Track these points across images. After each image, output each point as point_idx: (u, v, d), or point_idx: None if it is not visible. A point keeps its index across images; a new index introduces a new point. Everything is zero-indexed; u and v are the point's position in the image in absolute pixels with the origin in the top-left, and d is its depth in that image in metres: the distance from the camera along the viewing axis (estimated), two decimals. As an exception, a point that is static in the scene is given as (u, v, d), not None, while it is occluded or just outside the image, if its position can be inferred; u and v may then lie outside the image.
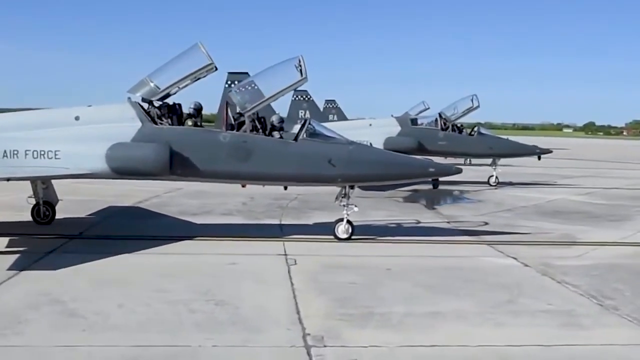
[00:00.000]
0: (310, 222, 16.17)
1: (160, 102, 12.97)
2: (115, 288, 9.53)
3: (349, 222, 13.48)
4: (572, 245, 13.97)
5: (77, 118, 12.66)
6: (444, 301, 9.35)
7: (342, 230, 13.47)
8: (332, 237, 13.64)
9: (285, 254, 12.08)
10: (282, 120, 13.64)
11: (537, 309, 9.06)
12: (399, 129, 25.19)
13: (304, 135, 12.86)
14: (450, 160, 23.76)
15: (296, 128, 13.67)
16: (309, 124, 13.17)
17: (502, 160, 27.09)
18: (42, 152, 12.28)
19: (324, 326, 8.04)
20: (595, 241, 14.46)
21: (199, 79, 13.01)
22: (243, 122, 12.89)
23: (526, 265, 11.85)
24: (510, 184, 27.10)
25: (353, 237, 13.45)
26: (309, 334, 7.72)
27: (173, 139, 12.33)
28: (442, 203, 21.34)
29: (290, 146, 12.78)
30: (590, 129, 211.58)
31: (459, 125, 26.20)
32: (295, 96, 37.43)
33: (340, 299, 9.26)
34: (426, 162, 14.37)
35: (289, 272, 10.81)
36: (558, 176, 31.91)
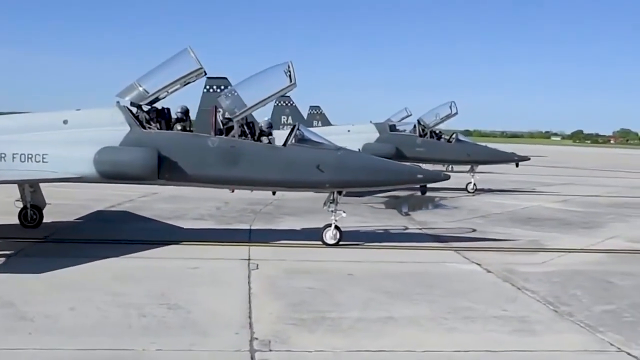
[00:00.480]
0: (280, 228, 16.13)
1: (149, 107, 12.95)
2: (69, 291, 9.46)
3: (337, 227, 13.48)
4: (538, 252, 14.00)
5: (65, 122, 12.64)
6: (399, 307, 9.35)
7: (330, 236, 13.48)
8: (298, 242, 13.69)
9: (249, 259, 12.04)
10: (270, 125, 13.63)
11: (491, 315, 9.07)
12: (377, 135, 25.25)
13: (293, 141, 12.87)
14: (429, 167, 23.80)
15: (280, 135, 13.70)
16: (298, 129, 13.17)
17: (484, 167, 27.21)
18: (30, 156, 12.21)
19: (274, 330, 8.02)
20: (562, 248, 14.50)
21: (188, 83, 13.03)
22: (232, 127, 12.87)
23: (489, 272, 11.87)
24: (489, 190, 27.16)
25: (341, 242, 13.47)
26: (256, 339, 7.70)
27: (161, 143, 12.33)
28: (417, 209, 21.36)
29: (279, 151, 12.80)
30: (578, 137, 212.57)
31: (437, 131, 26.27)
32: (277, 102, 37.34)
33: (295, 304, 9.24)
34: (414, 169, 14.39)
35: (249, 276, 10.78)
36: (538, 184, 32.01)
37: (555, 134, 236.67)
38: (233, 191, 14.33)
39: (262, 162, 12.65)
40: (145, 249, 12.55)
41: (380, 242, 14.49)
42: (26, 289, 9.54)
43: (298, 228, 16.10)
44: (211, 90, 29.44)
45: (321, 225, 14.26)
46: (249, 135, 12.89)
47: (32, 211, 14.59)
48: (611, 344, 8.07)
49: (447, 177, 14.17)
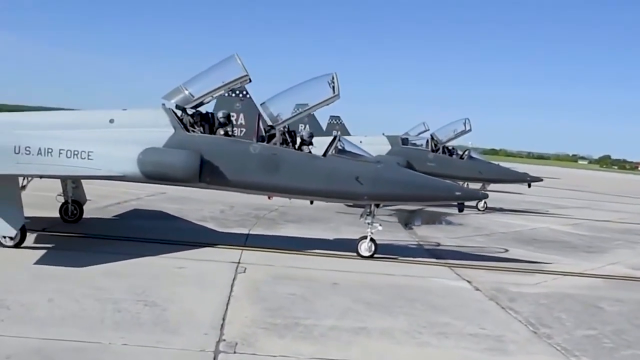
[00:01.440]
0: (279, 234, 16.17)
1: (193, 110, 13.15)
2: (53, 283, 9.60)
3: (372, 240, 13.59)
4: (533, 273, 13.85)
5: (111, 121, 12.84)
6: (376, 318, 9.33)
7: (365, 248, 13.61)
8: (293, 249, 13.71)
9: (239, 262, 12.11)
10: (311, 135, 13.67)
11: (468, 332, 9.02)
12: (389, 147, 25.29)
13: (333, 152, 12.96)
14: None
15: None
16: (339, 140, 13.27)
17: (500, 187, 26.97)
18: (76, 152, 12.40)
19: (244, 333, 8.06)
20: (559, 270, 14.35)
21: (232, 89, 13.07)
22: (273, 135, 13.01)
23: (477, 289, 11.80)
24: (500, 210, 26.95)
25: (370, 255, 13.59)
26: (224, 340, 7.75)
27: (204, 147, 12.48)
28: (421, 224, 21.28)
29: (319, 161, 12.88)
30: (605, 162, 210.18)
31: (450, 147, 26.19)
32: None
33: (273, 309, 9.28)
34: (453, 186, 14.39)
35: (234, 279, 10.83)
36: (552, 206, 31.72)
37: (583, 158, 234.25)
38: (271, 198, 14.39)
39: (302, 170, 12.74)
40: (136, 246, 12.69)
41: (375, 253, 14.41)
42: (11, 278, 9.73)
43: (297, 235, 16.14)
44: (225, 94, 29.47)
45: (322, 233, 14.24)
46: (290, 144, 13.03)
47: (73, 206, 15.04)
48: (583, 369, 7.98)
49: (486, 196, 14.35)
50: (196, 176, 12.32)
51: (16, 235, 11.57)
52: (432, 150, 25.44)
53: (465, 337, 8.82)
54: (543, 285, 12.76)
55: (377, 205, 13.42)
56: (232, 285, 10.40)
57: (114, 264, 11.12)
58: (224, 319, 8.58)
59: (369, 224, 13.46)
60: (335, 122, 44.64)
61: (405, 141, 26.04)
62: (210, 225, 16.69)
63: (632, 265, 16.06)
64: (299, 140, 13.26)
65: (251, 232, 15.96)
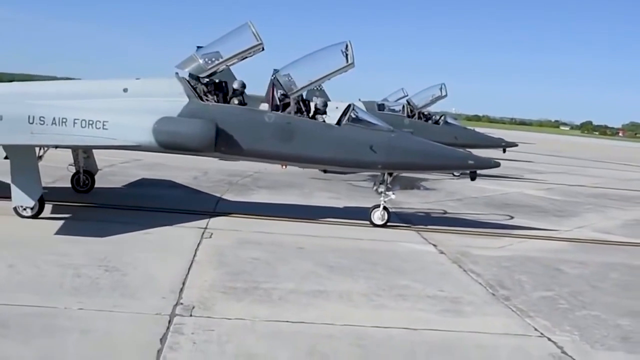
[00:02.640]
0: (250, 200, 16.22)
1: (207, 79, 13.06)
2: (15, 249, 9.61)
3: (385, 208, 13.72)
4: (500, 237, 14.03)
5: (125, 90, 12.75)
6: (336, 281, 9.44)
7: (378, 216, 13.76)
8: (262, 214, 13.76)
9: (205, 228, 12.15)
10: (325, 104, 13.68)
11: (426, 295, 9.15)
12: (365, 113, 25.20)
13: (347, 121, 12.97)
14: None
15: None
16: (353, 109, 13.28)
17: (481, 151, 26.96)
18: (91, 122, 12.33)
19: (202, 297, 8.14)
20: (526, 234, 14.53)
21: (245, 58, 13.04)
22: (288, 104, 13.04)
23: (442, 253, 11.95)
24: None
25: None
26: (181, 304, 7.82)
27: (219, 116, 12.44)
28: (395, 189, 21.29)
29: (333, 130, 12.91)
30: (587, 128, 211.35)
31: (426, 113, 26.24)
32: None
33: (234, 273, 9.35)
34: (466, 155, 14.44)
35: (198, 244, 10.88)
36: (529, 171, 31.96)
37: (565, 124, 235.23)
38: (285, 167, 14.43)
39: (316, 139, 12.75)
40: (103, 212, 12.71)
41: (344, 218, 14.52)
42: (-27, 245, 9.70)
43: (268, 201, 16.19)
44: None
45: (294, 199, 14.20)
46: (305, 113, 13.07)
47: (84, 176, 15.02)
48: (535, 329, 8.13)
49: (498, 165, 14.32)
50: (212, 145, 12.31)
51: (35, 205, 11.61)
52: (408, 116, 25.46)
53: (423, 299, 8.95)
54: (508, 248, 12.94)
55: (390, 174, 13.57)
56: (195, 251, 10.45)
57: (79, 230, 11.09)
58: (183, 284, 8.64)
59: (381, 192, 13.61)
60: (315, 87, 44.19)
61: (381, 107, 26.05)
62: (181, 191, 16.69)
63: (599, 229, 16.31)
64: (312, 109, 13.34)
65: (222, 197, 15.98)
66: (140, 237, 11.10)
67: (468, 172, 14.55)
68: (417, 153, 13.32)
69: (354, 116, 13.12)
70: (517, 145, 29.04)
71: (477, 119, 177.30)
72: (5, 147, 11.74)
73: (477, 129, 31.62)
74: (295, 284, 9.13)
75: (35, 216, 11.67)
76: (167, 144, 12.42)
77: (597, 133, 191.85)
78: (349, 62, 13.01)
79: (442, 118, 26.26)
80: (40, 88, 13.33)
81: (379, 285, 9.40)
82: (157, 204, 14.13)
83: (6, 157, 11.85)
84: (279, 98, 13.29)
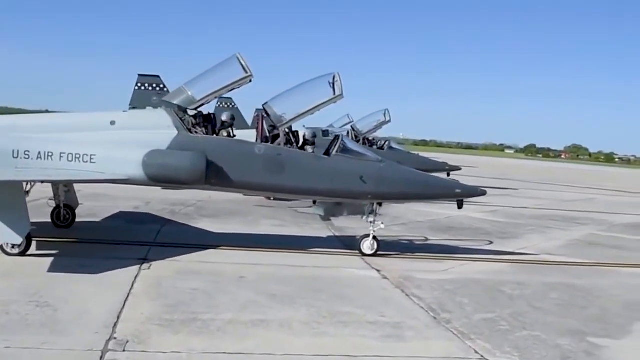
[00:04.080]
0: (192, 229, 15.95)
1: (195, 111, 12.85)
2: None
3: (374, 238, 13.69)
4: (444, 260, 14.10)
5: (112, 123, 12.47)
6: (277, 310, 9.29)
7: (367, 246, 13.73)
8: (203, 243, 13.53)
9: (145, 259, 11.86)
10: (314, 135, 13.67)
11: (367, 320, 9.08)
12: (310, 140, 25.22)
13: (336, 151, 12.89)
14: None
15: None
16: (342, 140, 13.22)
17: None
18: (78, 156, 11.98)
19: (137, 331, 7.89)
20: (469, 257, 14.65)
21: (234, 89, 12.91)
22: (277, 135, 12.94)
23: (385, 278, 11.92)
24: (421, 199, 27.26)
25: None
26: (115, 338, 7.57)
27: (209, 148, 12.22)
28: (340, 215, 21.29)
29: (324, 161, 12.85)
30: (530, 151, 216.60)
31: (370, 138, 26.43)
32: (219, 103, 37.02)
33: (172, 305, 9.12)
34: (453, 184, 14.47)
35: (136, 276, 10.60)
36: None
37: (509, 147, 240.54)
38: (271, 199, 14.19)
39: (307, 171, 12.70)
40: (41, 246, 12.28)
41: (288, 246, 14.38)
42: None
43: (211, 230, 15.96)
44: (142, 88, 29.17)
45: (238, 227, 13.91)
46: (294, 144, 13.03)
47: (65, 211, 14.67)
48: (476, 352, 8.14)
49: (484, 193, 14.42)
50: (203, 178, 12.10)
51: (22, 243, 11.23)
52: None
53: (364, 325, 8.88)
54: (452, 271, 13.00)
55: (380, 204, 13.57)
56: (133, 283, 10.17)
57: (14, 264, 10.77)
58: (118, 317, 8.38)
59: (371, 222, 13.56)
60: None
61: (326, 133, 26.04)
62: (121, 222, 16.34)
63: (540, 250, 16.55)
64: (301, 140, 13.36)
65: (163, 229, 15.69)
66: (75, 270, 10.73)
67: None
68: (406, 183, 13.39)
69: (343, 147, 13.12)
70: (460, 169, 29.51)
71: (424, 143, 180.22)
72: None
73: (423, 154, 32.07)
74: (235, 314, 8.95)
75: (23, 253, 11.29)
76: (157, 178, 12.18)
77: (540, 156, 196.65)
78: (336, 94, 13.11)
79: (387, 143, 26.50)
80: (23, 121, 13.03)
81: (320, 313, 9.29)
82: (96, 236, 13.82)
83: None
84: (267, 130, 13.25)
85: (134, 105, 27.60)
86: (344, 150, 13.11)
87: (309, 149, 13.29)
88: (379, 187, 13.04)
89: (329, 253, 13.98)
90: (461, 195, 14.03)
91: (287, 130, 13.16)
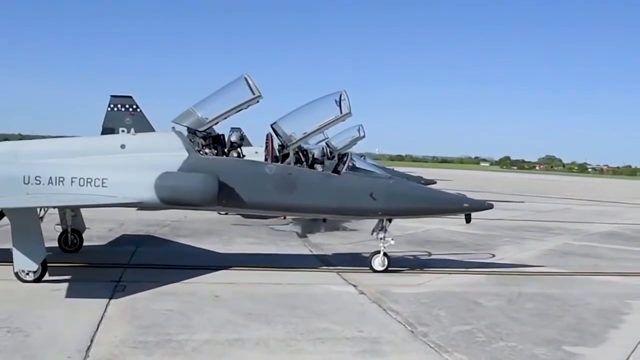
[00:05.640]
0: (167, 250, 15.82)
1: (204, 133, 12.80)
2: None
3: (385, 254, 13.73)
4: (420, 274, 14.11)
5: (122, 146, 12.47)
6: (253, 328, 9.21)
7: (378, 262, 13.76)
8: (179, 263, 13.42)
9: (119, 281, 11.73)
10: (323, 153, 13.69)
11: (345, 336, 9.04)
12: (284, 157, 25.21)
13: (346, 169, 12.90)
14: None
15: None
16: (351, 158, 13.27)
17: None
18: (89, 180, 11.94)
19: (110, 354, 7.78)
20: (445, 270, 14.67)
21: (242, 110, 12.85)
22: (286, 154, 12.94)
23: (362, 293, 11.89)
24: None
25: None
26: (87, 362, 7.44)
27: (220, 169, 12.24)
28: (316, 232, 21.31)
29: (334, 179, 12.87)
30: (505, 163, 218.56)
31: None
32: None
33: (146, 326, 9.00)
34: (461, 198, 14.39)
35: (110, 298, 10.46)
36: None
37: (484, 160, 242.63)
38: (285, 217, 14.05)
39: (318, 189, 12.74)
40: (11, 270, 12.06)
41: (264, 264, 14.31)
42: None
43: (186, 250, 15.85)
44: (115, 108, 28.99)
45: (213, 246, 13.79)
46: (304, 163, 13.06)
47: (72, 235, 14.64)
48: (452, 364, 8.13)
49: (491, 206, 14.46)
50: (215, 200, 12.04)
51: (38, 269, 11.11)
52: (328, 158, 25.52)
53: (342, 341, 8.83)
54: (428, 284, 13.00)
55: (390, 220, 13.61)
56: (107, 305, 10.04)
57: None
58: (92, 341, 8.25)
59: (381, 239, 13.60)
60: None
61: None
62: (96, 243, 16.15)
63: (516, 260, 16.65)
64: (311, 158, 13.42)
65: (139, 249, 15.54)
66: (47, 294, 10.61)
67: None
68: (415, 198, 13.43)
69: (351, 164, 13.17)
70: (435, 183, 29.61)
71: (400, 158, 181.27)
72: (5, 210, 11.24)
73: (398, 169, 32.16)
74: (210, 333, 8.86)
75: (38, 280, 11.17)
76: (169, 200, 12.11)
77: (515, 167, 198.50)
78: (343, 112, 13.18)
79: (362, 159, 26.45)
80: (33, 147, 12.92)
81: (297, 330, 9.23)
82: (68, 259, 13.61)
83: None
84: (277, 149, 13.26)
85: (107, 126, 27.46)
86: (354, 168, 13.20)
87: (318, 167, 13.31)
88: (389, 204, 13.11)
89: (306, 270, 13.91)
90: (469, 209, 14.09)
91: (296, 150, 13.13)
